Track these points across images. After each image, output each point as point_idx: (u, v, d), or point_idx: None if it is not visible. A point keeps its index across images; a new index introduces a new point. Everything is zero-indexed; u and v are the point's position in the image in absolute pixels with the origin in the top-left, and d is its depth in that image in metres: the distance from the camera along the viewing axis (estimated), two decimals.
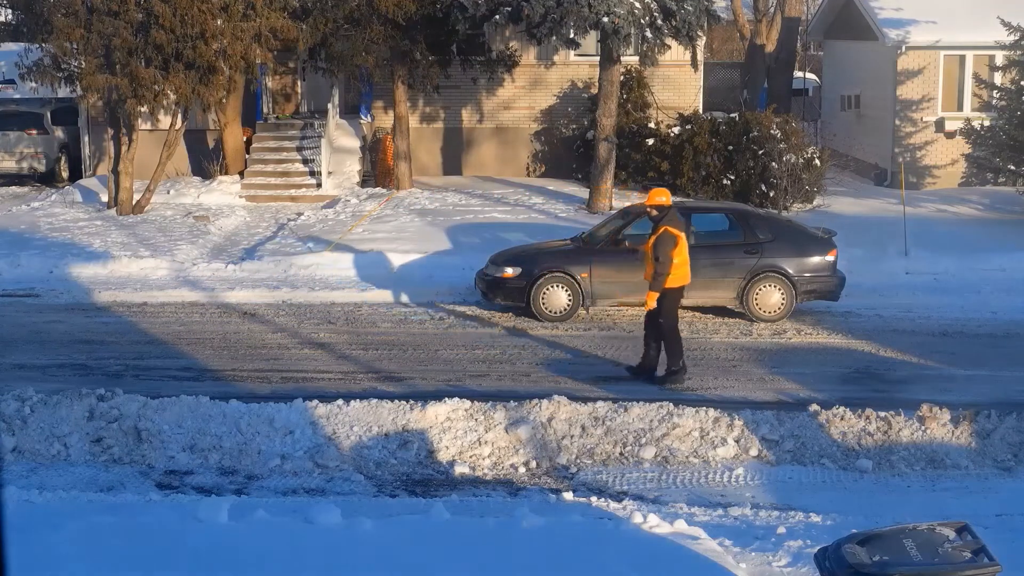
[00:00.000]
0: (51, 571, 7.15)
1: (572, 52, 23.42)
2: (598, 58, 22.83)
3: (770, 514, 9.75)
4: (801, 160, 23.09)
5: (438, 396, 11.87)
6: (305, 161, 25.44)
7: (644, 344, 13.67)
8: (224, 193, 24.50)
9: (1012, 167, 23.32)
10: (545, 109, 27.05)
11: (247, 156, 25.66)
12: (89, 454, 10.99)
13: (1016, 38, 22.66)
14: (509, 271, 16.34)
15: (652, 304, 13.30)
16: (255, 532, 8.14)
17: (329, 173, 24.87)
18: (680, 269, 13.35)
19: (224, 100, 23.57)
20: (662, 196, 13.50)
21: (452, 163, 27.40)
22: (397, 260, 18.88)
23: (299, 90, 27.68)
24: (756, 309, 16.15)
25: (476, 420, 11.35)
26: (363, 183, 25.79)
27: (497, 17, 21.50)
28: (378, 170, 26.58)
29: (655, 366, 13.50)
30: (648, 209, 13.54)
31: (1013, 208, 23.39)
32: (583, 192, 23.64)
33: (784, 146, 22.98)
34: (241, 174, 25.28)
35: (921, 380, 13.45)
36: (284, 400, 11.76)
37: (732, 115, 24.63)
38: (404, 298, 17.47)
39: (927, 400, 11.74)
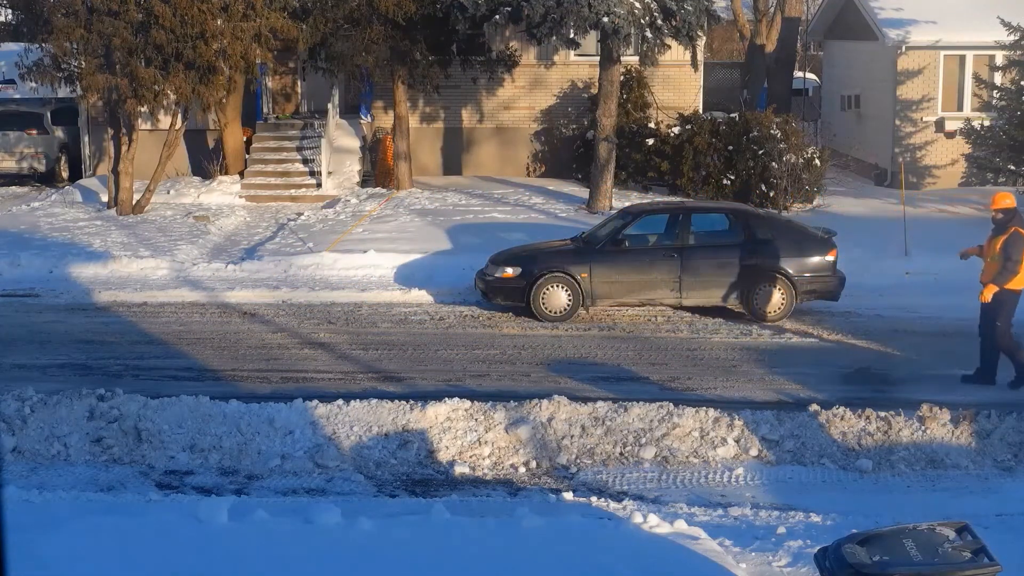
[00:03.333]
0: (51, 571, 7.15)
1: (572, 52, 23.42)
2: (598, 58, 22.84)
3: (770, 514, 9.75)
4: (801, 160, 23.10)
5: (438, 396, 11.87)
6: (305, 161, 25.45)
7: (981, 349, 13.36)
8: (224, 193, 24.51)
9: (1012, 167, 23.32)
10: (545, 109, 27.05)
11: (247, 156, 25.67)
12: (89, 454, 10.98)
13: (1016, 38, 22.67)
14: (509, 271, 16.35)
15: (987, 297, 13.06)
16: (255, 532, 8.14)
17: (329, 173, 24.87)
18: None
19: (224, 100, 23.58)
20: (1007, 199, 13.32)
21: (452, 163, 27.40)
22: (397, 260, 18.88)
23: (299, 90, 27.68)
24: (756, 309, 16.15)
25: (476, 420, 11.35)
26: (363, 183, 25.80)
27: (497, 17, 21.50)
28: (378, 170, 26.59)
29: (995, 370, 13.27)
30: (994, 213, 13.34)
31: None
32: (583, 192, 23.64)
33: (784, 146, 22.98)
34: (241, 174, 25.29)
35: (921, 380, 13.44)
36: (284, 400, 11.76)
37: (732, 115, 24.63)
38: (404, 298, 17.47)
39: (927, 400, 11.74)
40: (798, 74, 34.93)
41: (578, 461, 10.98)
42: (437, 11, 22.92)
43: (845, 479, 10.73)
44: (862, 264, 18.16)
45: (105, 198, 23.88)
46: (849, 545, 6.29)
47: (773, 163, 22.78)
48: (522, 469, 10.89)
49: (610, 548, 7.90)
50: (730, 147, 23.57)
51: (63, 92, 24.33)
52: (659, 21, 21.13)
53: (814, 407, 11.59)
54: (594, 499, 9.98)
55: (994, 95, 24.14)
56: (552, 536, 8.11)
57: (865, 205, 23.93)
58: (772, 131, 23.15)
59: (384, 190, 25.07)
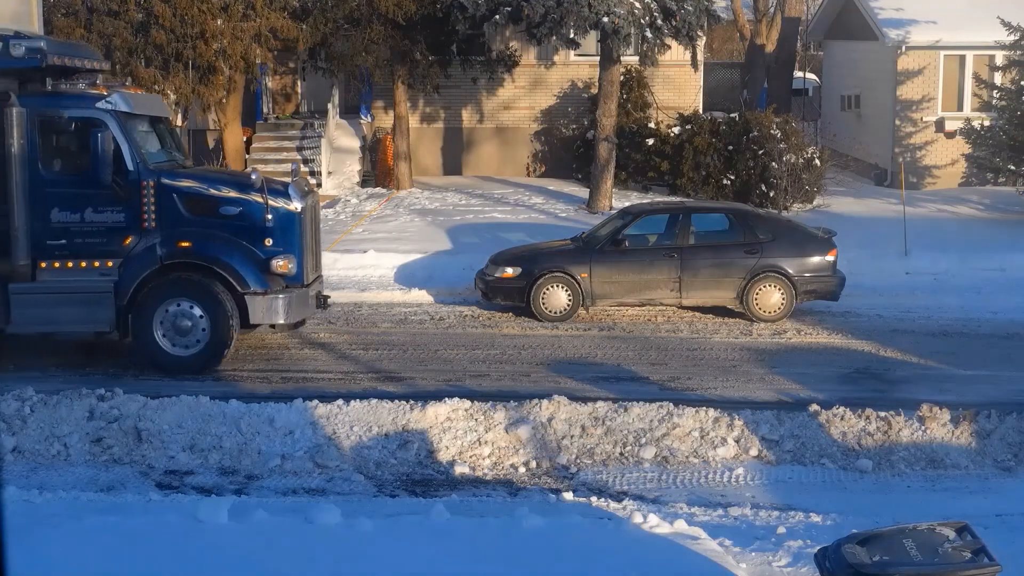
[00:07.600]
0: (51, 571, 7.15)
1: (572, 52, 23.43)
2: (598, 58, 22.85)
3: (770, 514, 9.75)
4: (801, 160, 23.11)
5: (438, 396, 11.86)
6: (305, 161, 25.44)
7: None
8: None
9: (1012, 167, 23.33)
10: (545, 109, 27.06)
11: (247, 156, 25.66)
12: (89, 454, 10.98)
13: (1016, 38, 22.67)
14: (509, 271, 16.35)
15: None
16: (255, 532, 8.13)
17: (329, 173, 24.88)
18: None
19: (224, 100, 23.57)
20: None
21: (452, 163, 27.41)
22: (397, 260, 18.88)
23: (299, 90, 27.69)
24: (756, 309, 16.16)
25: (476, 420, 11.34)
26: (363, 183, 25.81)
27: (497, 17, 21.51)
28: (378, 170, 26.60)
29: None
30: None
31: (1013, 208, 23.40)
32: (583, 192, 23.64)
33: (784, 146, 22.99)
34: None
35: (921, 380, 13.45)
36: (284, 400, 11.75)
37: (732, 115, 24.65)
38: (404, 298, 17.47)
39: (927, 400, 11.73)
40: (798, 74, 34.95)
41: (578, 461, 10.98)
42: (437, 11, 22.94)
43: (845, 479, 10.73)
44: (862, 264, 18.17)
45: None
46: (849, 545, 6.28)
47: (773, 163, 22.78)
48: (522, 469, 10.89)
49: (610, 548, 7.90)
50: (730, 147, 23.58)
51: None
52: (659, 21, 21.14)
53: (814, 407, 11.58)
54: (594, 499, 9.97)
55: (994, 95, 24.15)
56: (552, 536, 8.11)
57: (865, 205, 23.94)
58: (772, 131, 23.17)
59: (384, 190, 25.08)
